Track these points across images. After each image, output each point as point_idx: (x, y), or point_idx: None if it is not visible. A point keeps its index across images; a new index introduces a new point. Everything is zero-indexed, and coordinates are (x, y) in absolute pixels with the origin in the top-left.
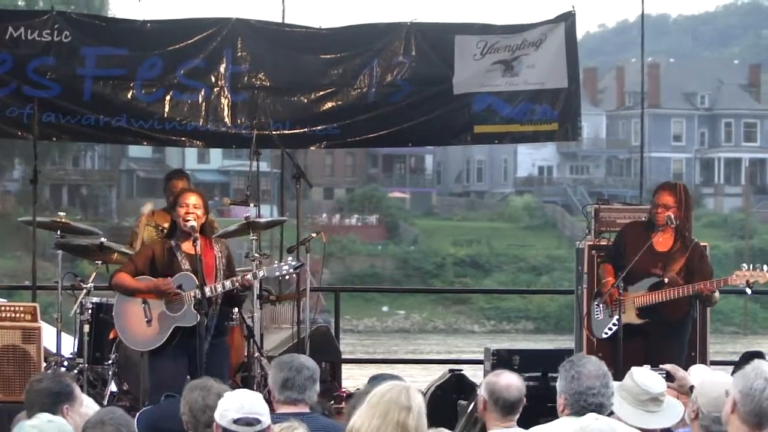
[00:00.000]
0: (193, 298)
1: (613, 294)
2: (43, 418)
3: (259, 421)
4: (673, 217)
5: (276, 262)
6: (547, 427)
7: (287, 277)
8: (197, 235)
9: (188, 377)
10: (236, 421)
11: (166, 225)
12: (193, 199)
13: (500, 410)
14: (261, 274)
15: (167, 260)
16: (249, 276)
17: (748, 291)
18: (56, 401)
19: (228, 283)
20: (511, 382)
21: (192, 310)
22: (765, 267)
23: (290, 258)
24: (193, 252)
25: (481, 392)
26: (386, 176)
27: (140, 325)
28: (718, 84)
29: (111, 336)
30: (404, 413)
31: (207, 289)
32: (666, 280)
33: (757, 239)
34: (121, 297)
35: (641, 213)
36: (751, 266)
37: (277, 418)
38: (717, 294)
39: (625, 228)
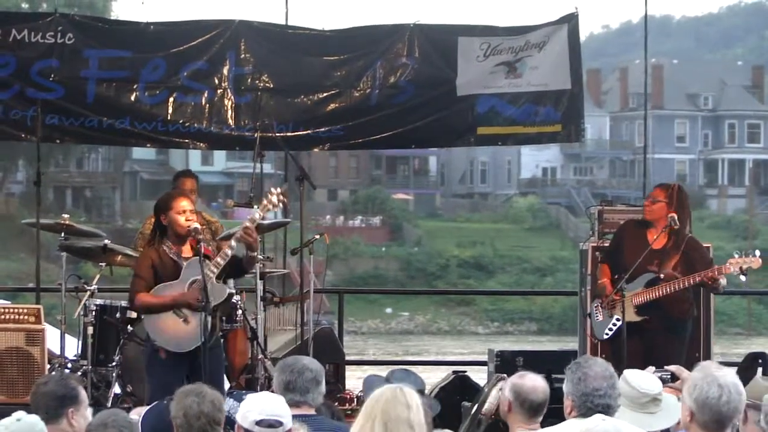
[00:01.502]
0: (211, 273)
1: (616, 296)
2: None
3: (281, 423)
4: (676, 218)
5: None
6: (554, 429)
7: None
8: (201, 236)
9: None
10: (258, 423)
11: None
12: (188, 204)
13: (526, 412)
14: (257, 215)
15: (170, 269)
16: (248, 223)
17: (743, 278)
18: (61, 404)
19: (228, 251)
20: (537, 384)
21: (218, 285)
22: (757, 252)
23: (272, 188)
24: (190, 255)
25: (506, 394)
26: (390, 178)
27: (179, 327)
28: (722, 85)
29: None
30: (406, 411)
31: (213, 268)
32: (662, 275)
33: (761, 240)
34: (148, 317)
35: None
36: (743, 253)
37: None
38: (723, 280)
39: (621, 227)
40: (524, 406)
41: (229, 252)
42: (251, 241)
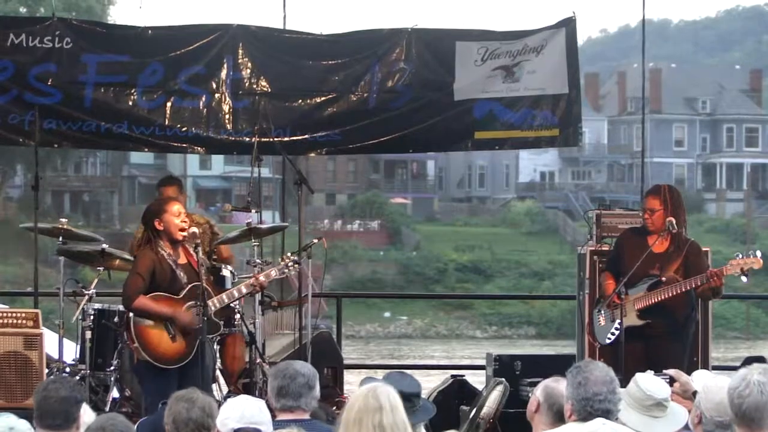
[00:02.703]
0: (213, 307)
1: (613, 299)
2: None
3: (259, 431)
4: (674, 222)
5: (280, 260)
6: None
7: (292, 274)
8: (199, 241)
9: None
10: (237, 431)
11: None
12: (181, 207)
13: (553, 415)
14: (262, 279)
15: (168, 274)
16: (262, 278)
17: (744, 279)
18: (77, 409)
19: (245, 289)
20: None
21: (213, 319)
22: (758, 253)
23: (289, 252)
24: (185, 262)
25: (537, 395)
26: (388, 182)
27: (165, 343)
28: (720, 89)
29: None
30: (377, 415)
31: (216, 303)
32: (663, 279)
33: (759, 244)
34: (138, 318)
35: None
36: (744, 254)
37: (276, 425)
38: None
39: (622, 234)
40: (552, 409)
41: (236, 295)
42: (257, 292)
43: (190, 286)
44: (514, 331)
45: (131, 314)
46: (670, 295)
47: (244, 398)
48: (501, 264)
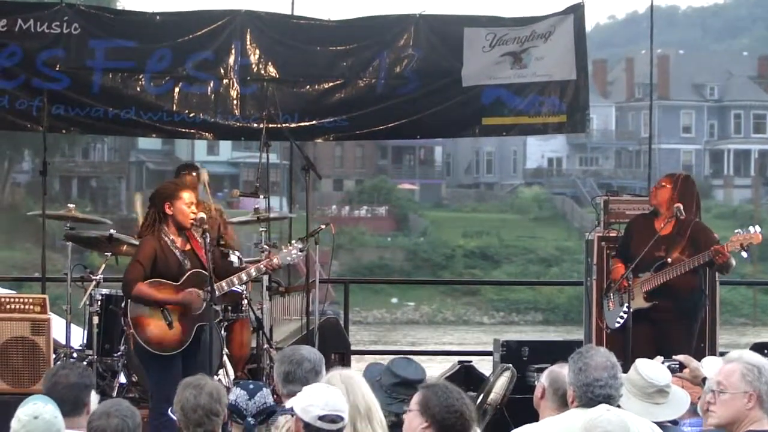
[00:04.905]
0: (218, 292)
1: (623, 283)
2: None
3: (342, 418)
4: (681, 208)
5: (283, 248)
6: (556, 418)
7: (297, 261)
8: (206, 226)
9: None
10: (321, 418)
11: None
12: (192, 197)
13: (558, 400)
14: (275, 262)
15: (171, 261)
16: (275, 261)
17: (744, 254)
18: (87, 394)
19: (254, 271)
20: None
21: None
22: (757, 228)
23: (294, 241)
24: (188, 248)
25: (542, 381)
26: (396, 168)
27: (163, 331)
28: (728, 75)
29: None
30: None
31: (224, 284)
32: (669, 260)
33: (767, 230)
34: (136, 306)
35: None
36: (743, 230)
37: (283, 410)
38: (732, 259)
39: (630, 222)
40: (557, 394)
41: (236, 282)
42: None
43: (189, 272)
44: (522, 317)
45: (129, 302)
46: (676, 274)
47: (324, 386)
48: (508, 250)
